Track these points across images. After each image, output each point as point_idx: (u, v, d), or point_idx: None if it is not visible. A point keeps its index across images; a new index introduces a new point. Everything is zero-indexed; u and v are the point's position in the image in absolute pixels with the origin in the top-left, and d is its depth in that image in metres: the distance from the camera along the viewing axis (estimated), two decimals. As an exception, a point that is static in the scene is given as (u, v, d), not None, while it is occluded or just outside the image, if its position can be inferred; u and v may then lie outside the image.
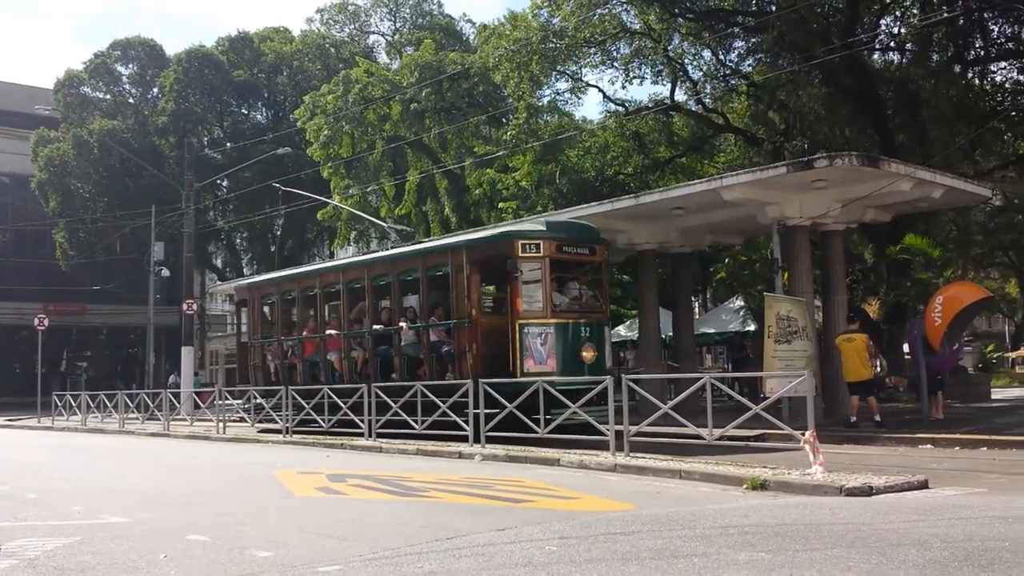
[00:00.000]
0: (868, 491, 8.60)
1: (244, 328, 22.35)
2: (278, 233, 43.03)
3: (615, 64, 26.94)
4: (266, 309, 21.20)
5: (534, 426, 13.23)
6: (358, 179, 31.55)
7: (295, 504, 9.50)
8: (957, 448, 12.82)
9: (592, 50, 26.12)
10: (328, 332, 18.65)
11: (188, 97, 39.70)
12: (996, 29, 23.20)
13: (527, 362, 14.40)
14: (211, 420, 22.19)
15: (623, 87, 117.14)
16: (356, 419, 16.50)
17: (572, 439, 12.78)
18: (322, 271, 20.00)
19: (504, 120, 30.47)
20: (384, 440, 15.71)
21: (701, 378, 12.17)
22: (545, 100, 29.26)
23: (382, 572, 5.71)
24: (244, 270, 42.89)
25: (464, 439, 14.14)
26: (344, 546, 6.69)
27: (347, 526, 7.72)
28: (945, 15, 20.80)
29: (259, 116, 43.77)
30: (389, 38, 41.07)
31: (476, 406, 13.94)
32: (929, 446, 13.13)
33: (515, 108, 27.99)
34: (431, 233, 30.81)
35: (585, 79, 29.05)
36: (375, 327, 17.47)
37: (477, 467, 12.46)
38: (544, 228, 15.20)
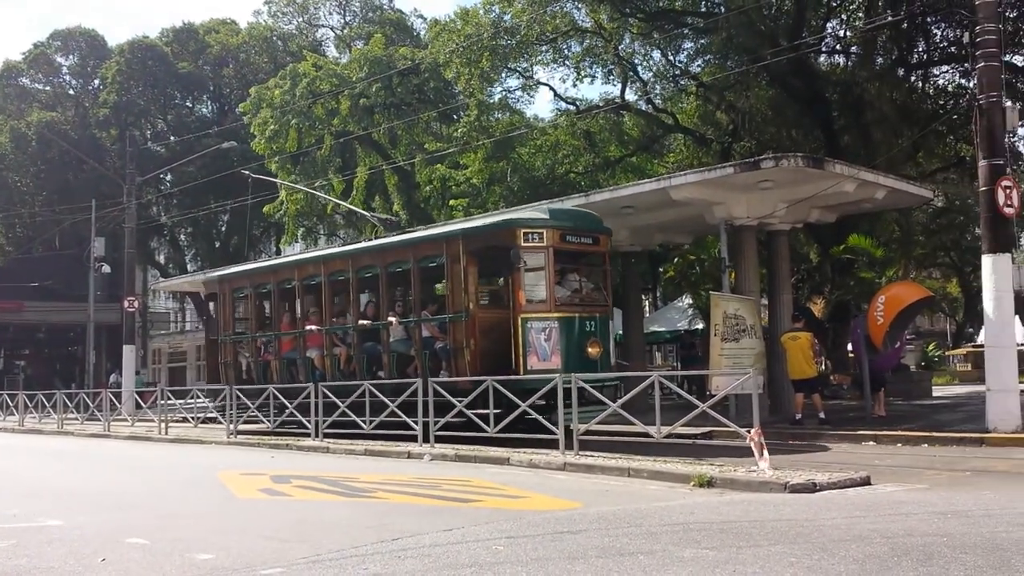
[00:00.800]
0: (812, 488, 8.71)
1: (214, 323, 21.27)
2: (223, 229, 42.31)
3: (566, 63, 27.05)
4: (239, 303, 20.03)
5: (484, 425, 13.18)
6: (305, 174, 31.14)
7: (237, 506, 9.35)
8: (899, 445, 13.06)
9: (543, 48, 26.17)
10: (308, 327, 17.53)
11: (131, 89, 38.85)
12: (939, 33, 23.71)
13: (531, 358, 13.55)
14: (153, 420, 21.74)
15: (574, 86, 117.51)
16: (303, 419, 16.28)
17: (523, 438, 12.71)
18: (301, 262, 18.84)
19: (455, 117, 30.35)
20: (331, 440, 15.53)
21: (649, 376, 12.21)
22: (496, 97, 29.22)
23: (325, 574, 5.62)
24: (188, 266, 42.17)
25: (414, 439, 14.02)
26: (287, 548, 6.58)
27: (290, 528, 7.60)
28: (889, 19, 21.19)
29: (204, 109, 43.05)
30: (338, 32, 40.61)
31: (426, 407, 13.83)
32: (872, 443, 13.35)
33: (466, 105, 27.91)
34: (376, 230, 30.51)
35: (536, 77, 29.15)
36: (361, 322, 16.50)
37: (426, 467, 12.38)
38: (547, 216, 14.29)
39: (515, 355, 13.65)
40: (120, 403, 24.75)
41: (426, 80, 29.38)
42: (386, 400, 14.63)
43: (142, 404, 23.89)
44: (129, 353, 29.39)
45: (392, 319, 15.72)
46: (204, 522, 8.25)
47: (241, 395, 18.06)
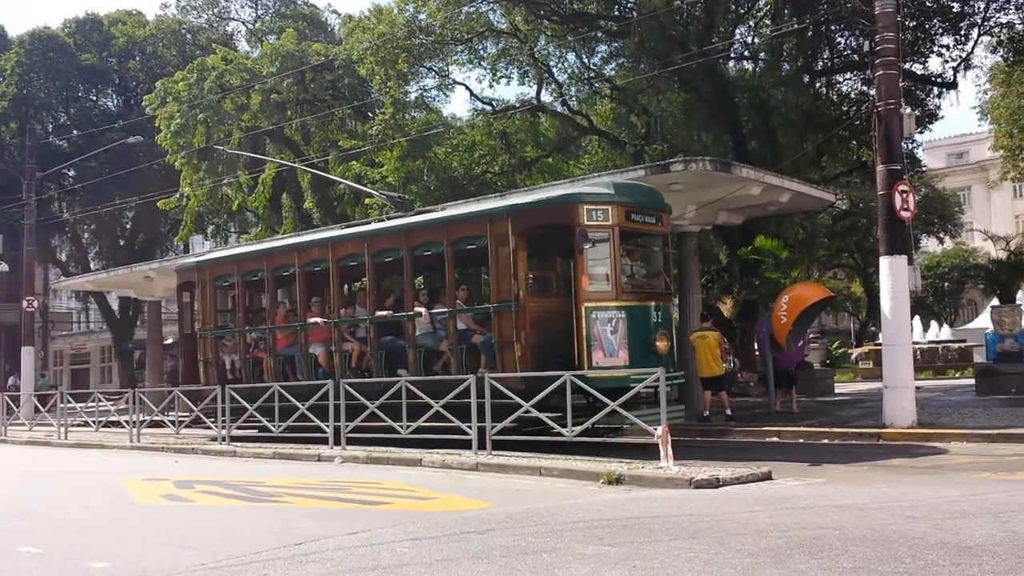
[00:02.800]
0: (716, 483, 8.90)
1: (190, 316, 18.54)
2: (128, 226, 41.02)
3: (482, 63, 27.06)
4: (222, 293, 17.81)
5: (396, 427, 13.07)
6: (212, 170, 30.37)
7: (138, 512, 9.12)
8: (801, 440, 13.48)
9: (459, 48, 26.14)
10: (312, 320, 15.53)
11: (31, 81, 37.31)
12: (843, 41, 24.51)
13: (596, 354, 12.02)
14: (52, 425, 20.95)
15: (490, 86, 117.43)
16: (209, 422, 15.89)
17: (437, 439, 12.61)
18: (303, 246, 16.39)
19: (370, 114, 30.05)
20: (239, 444, 15.22)
21: (561, 376, 12.26)
22: (412, 96, 29.03)
23: (223, 581, 5.49)
24: (91, 264, 40.75)
25: (325, 441, 13.81)
26: (186, 555, 6.44)
27: (190, 534, 7.44)
28: (794, 27, 21.83)
29: (109, 103, 41.51)
30: (250, 26, 39.68)
31: (337, 410, 13.63)
32: (775, 439, 13.73)
33: (381, 103, 27.67)
34: (284, 228, 29.95)
35: (452, 77, 29.05)
36: (380, 313, 14.64)
37: (336, 470, 12.23)
38: (612, 191, 12.68)
39: (578, 350, 12.13)
40: (18, 407, 23.82)
41: (340, 76, 28.95)
42: (296, 402, 14.28)
43: (40, 408, 23.00)
44: (27, 355, 28.34)
45: (421, 310, 13.99)
46: (102, 529, 8.04)
47: (144, 398, 17.54)
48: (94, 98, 41.17)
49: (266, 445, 14.67)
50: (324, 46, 30.44)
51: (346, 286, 16.85)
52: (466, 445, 12.00)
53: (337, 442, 13.56)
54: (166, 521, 8.35)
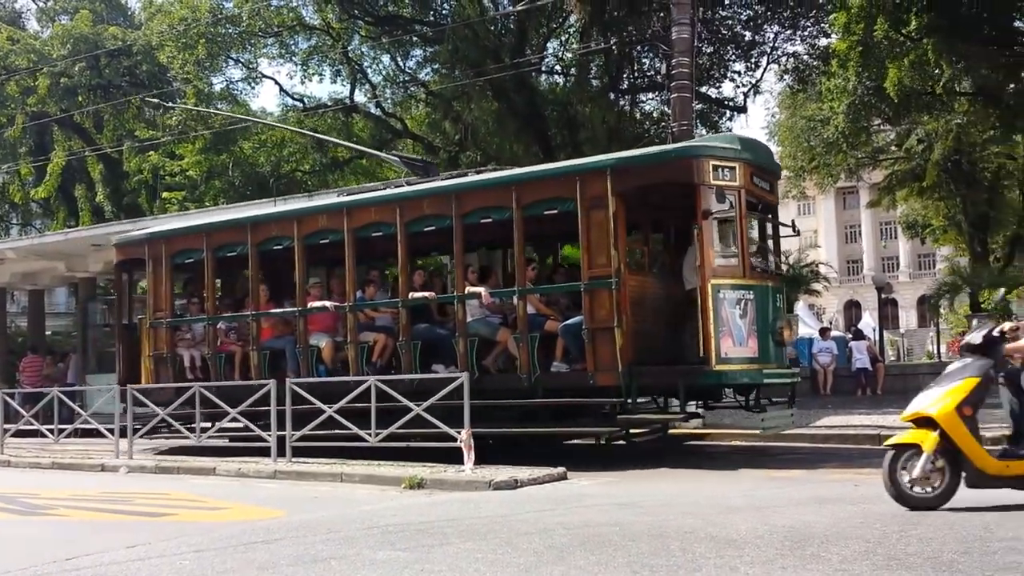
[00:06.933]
0: (514, 484, 9.09)
1: (129, 302, 15.85)
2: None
3: (293, 59, 26.45)
4: (182, 273, 14.89)
5: (188, 433, 12.52)
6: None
7: None
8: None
9: (269, 41, 25.43)
10: (317, 304, 12.63)
11: None
12: (647, 63, 25.78)
13: (724, 342, 9.96)
14: None
15: (302, 83, 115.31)
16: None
17: (234, 447, 12.18)
18: (304, 213, 13.31)
19: (171, 103, 28.65)
20: (14, 453, 14.07)
21: (367, 381, 12.12)
22: (217, 87, 27.91)
23: (-23, 604, 5.06)
24: None
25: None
26: (-62, 575, 5.87)
27: (-55, 553, 6.78)
28: (600, 46, 22.72)
29: None
30: (40, 4, 36.83)
31: (125, 414, 12.87)
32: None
33: (183, 92, 26.42)
34: (80, 221, 28.01)
35: (260, 70, 28.18)
36: (417, 295, 11.89)
37: (122, 480, 11.56)
38: (739, 146, 10.57)
39: (704, 337, 9.98)
40: None
41: (139, 62, 27.41)
42: (75, 407, 13.38)
43: None
44: None
45: (480, 290, 11.41)
46: None
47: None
48: None
49: (44, 454, 13.67)
50: (122, 30, 28.72)
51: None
52: (266, 452, 11.63)
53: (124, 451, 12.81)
54: (-83, 540, 7.59)
